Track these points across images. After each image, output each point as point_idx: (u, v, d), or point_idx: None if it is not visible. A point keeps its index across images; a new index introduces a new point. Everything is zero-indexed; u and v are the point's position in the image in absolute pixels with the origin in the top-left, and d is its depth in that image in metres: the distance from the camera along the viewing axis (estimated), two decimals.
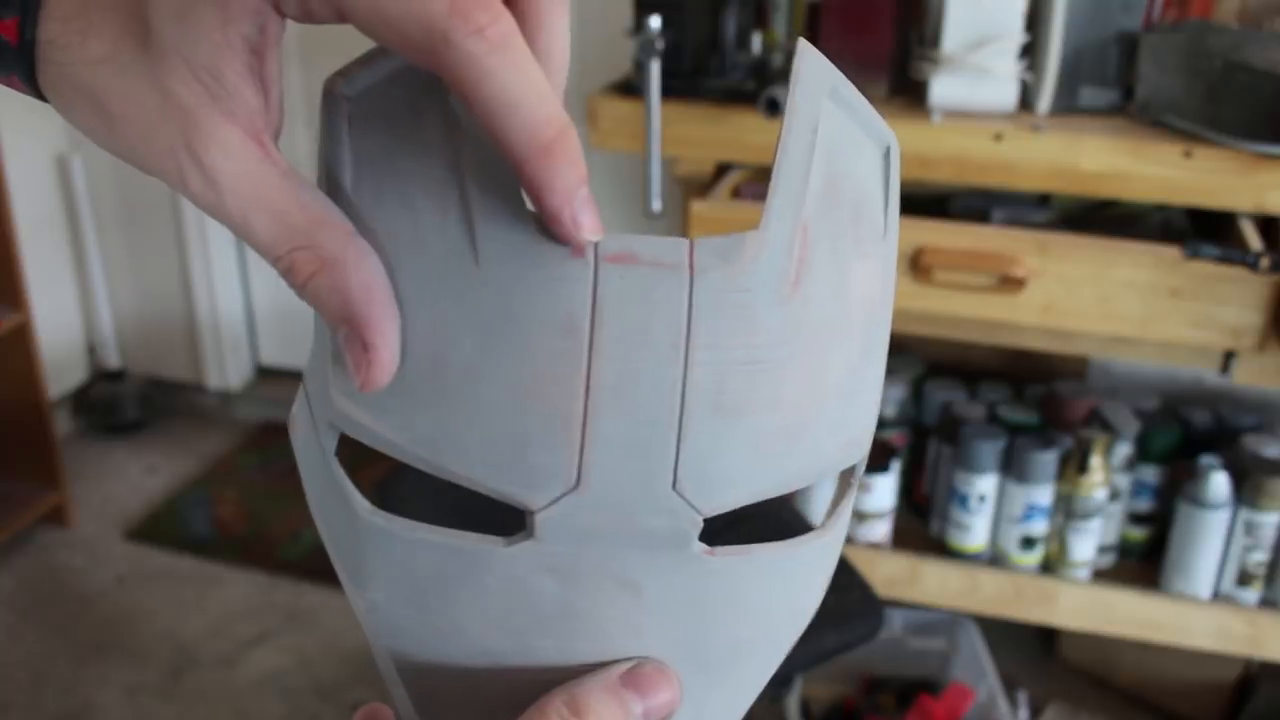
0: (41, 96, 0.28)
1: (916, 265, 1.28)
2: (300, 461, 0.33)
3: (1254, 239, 1.27)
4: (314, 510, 0.33)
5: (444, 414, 0.28)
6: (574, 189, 0.26)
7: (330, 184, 0.29)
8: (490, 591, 0.29)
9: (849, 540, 1.54)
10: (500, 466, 0.28)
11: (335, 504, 0.31)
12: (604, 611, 0.30)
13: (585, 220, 0.26)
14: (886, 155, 0.32)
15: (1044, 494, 1.45)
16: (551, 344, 0.28)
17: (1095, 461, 1.42)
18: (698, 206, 1.33)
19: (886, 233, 0.32)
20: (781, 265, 0.29)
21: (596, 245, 0.27)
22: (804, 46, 0.30)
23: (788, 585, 0.32)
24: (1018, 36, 1.33)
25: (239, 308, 2.54)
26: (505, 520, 0.31)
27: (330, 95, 0.29)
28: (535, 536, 0.29)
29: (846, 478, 0.34)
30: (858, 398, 0.31)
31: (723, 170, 1.47)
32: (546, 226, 0.27)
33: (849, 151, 0.31)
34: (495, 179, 0.28)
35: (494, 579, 0.29)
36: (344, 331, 0.27)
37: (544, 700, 0.29)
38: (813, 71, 0.30)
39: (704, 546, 0.29)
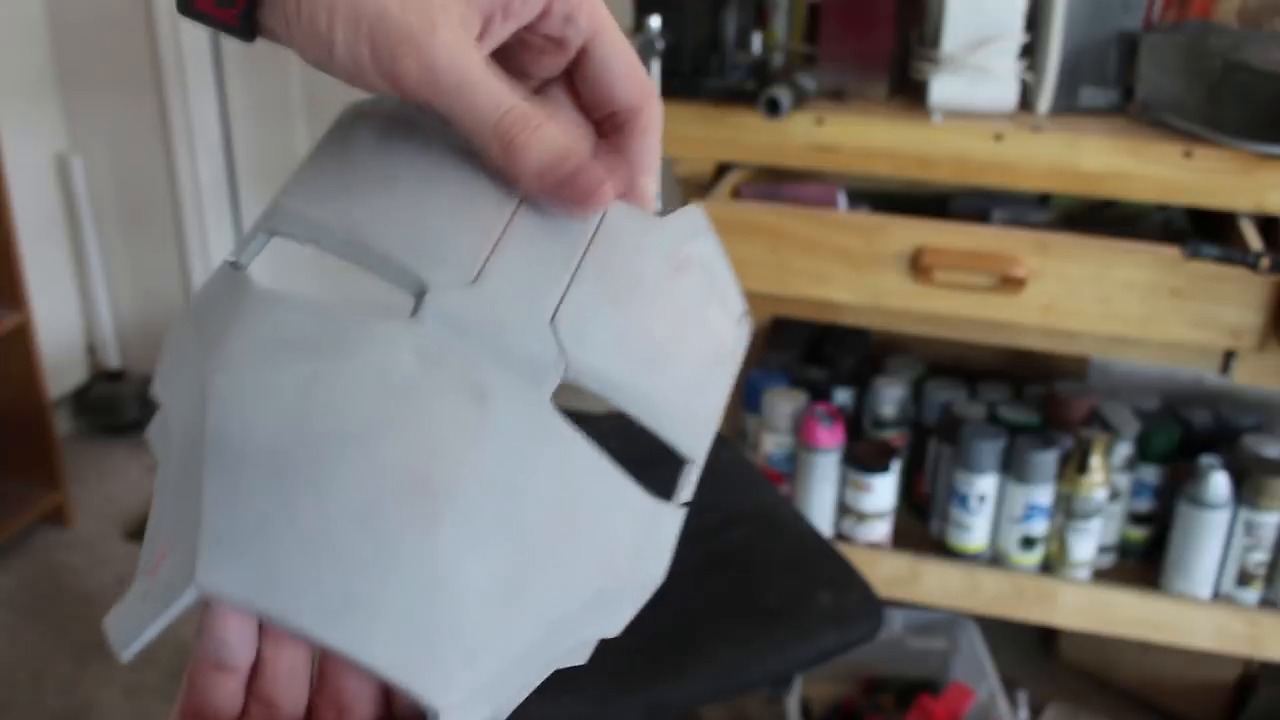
0: None
1: (916, 265, 1.28)
2: (201, 290, 0.35)
3: (1254, 239, 1.27)
4: (187, 314, 0.35)
5: (388, 206, 0.34)
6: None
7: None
8: (351, 358, 0.31)
9: (849, 539, 1.53)
10: (418, 250, 0.33)
11: (222, 288, 0.34)
12: (445, 411, 0.31)
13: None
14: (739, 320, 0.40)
15: (1044, 494, 1.45)
16: (493, 189, 0.35)
17: (1095, 461, 1.42)
18: None
19: (739, 324, 0.40)
20: (669, 249, 0.37)
21: None
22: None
23: (607, 503, 0.33)
24: (1018, 36, 1.33)
25: None
26: None
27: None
28: (418, 317, 0.32)
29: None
30: (703, 396, 0.36)
31: (723, 170, 1.47)
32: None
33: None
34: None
35: (361, 348, 0.31)
36: (573, 163, 0.34)
37: None
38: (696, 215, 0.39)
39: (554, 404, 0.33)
